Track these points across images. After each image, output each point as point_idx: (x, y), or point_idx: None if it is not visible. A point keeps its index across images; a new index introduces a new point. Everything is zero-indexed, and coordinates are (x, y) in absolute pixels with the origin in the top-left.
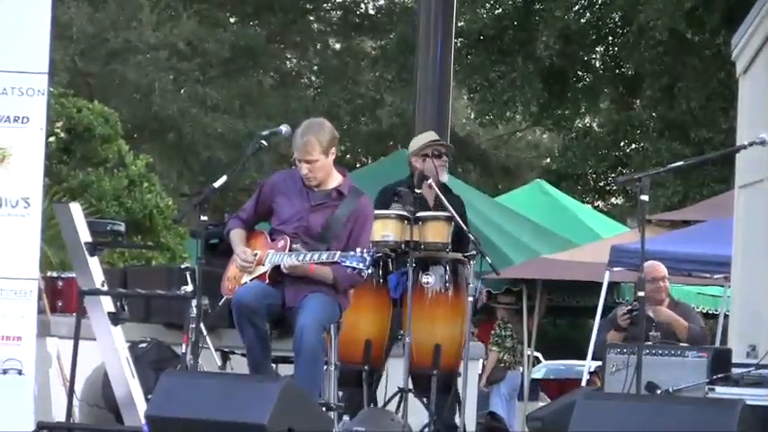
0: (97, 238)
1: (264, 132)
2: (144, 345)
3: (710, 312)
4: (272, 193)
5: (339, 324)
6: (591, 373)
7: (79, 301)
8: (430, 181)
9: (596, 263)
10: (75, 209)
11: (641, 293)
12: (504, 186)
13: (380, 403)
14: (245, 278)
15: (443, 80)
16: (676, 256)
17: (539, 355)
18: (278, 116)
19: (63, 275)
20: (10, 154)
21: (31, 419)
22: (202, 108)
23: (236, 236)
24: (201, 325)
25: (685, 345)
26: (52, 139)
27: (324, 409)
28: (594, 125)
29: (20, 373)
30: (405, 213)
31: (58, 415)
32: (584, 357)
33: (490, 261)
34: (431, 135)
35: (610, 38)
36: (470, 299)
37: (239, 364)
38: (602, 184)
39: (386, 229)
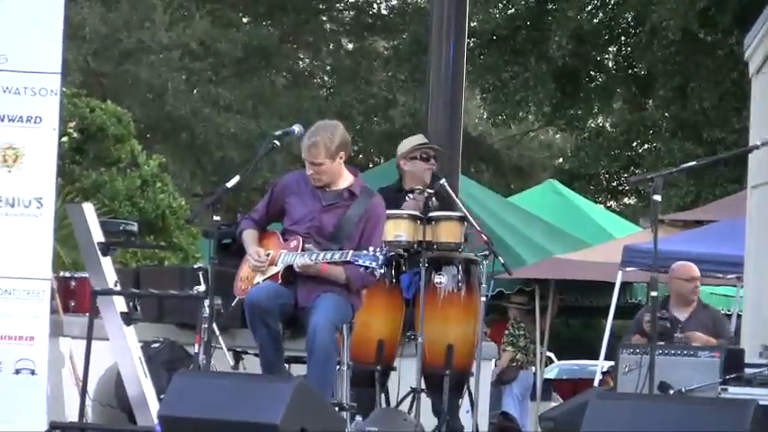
0: (110, 238)
1: (277, 132)
2: (157, 345)
3: (723, 313)
4: (284, 194)
5: (352, 324)
6: (604, 373)
7: (92, 301)
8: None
9: (609, 263)
10: (88, 209)
11: (654, 293)
12: (517, 186)
13: (393, 403)
14: (258, 278)
15: (456, 80)
16: (689, 257)
17: (551, 355)
18: (290, 116)
19: (76, 275)
20: (23, 154)
21: (44, 419)
22: (215, 108)
23: (249, 236)
24: (214, 325)
25: (698, 345)
26: (65, 139)
27: (336, 409)
28: (607, 125)
29: (33, 373)
30: (417, 213)
31: (71, 415)
32: (596, 357)
33: (503, 261)
34: (419, 138)
35: (622, 38)
36: (483, 299)
37: (252, 364)
38: (614, 184)
39: (398, 229)
